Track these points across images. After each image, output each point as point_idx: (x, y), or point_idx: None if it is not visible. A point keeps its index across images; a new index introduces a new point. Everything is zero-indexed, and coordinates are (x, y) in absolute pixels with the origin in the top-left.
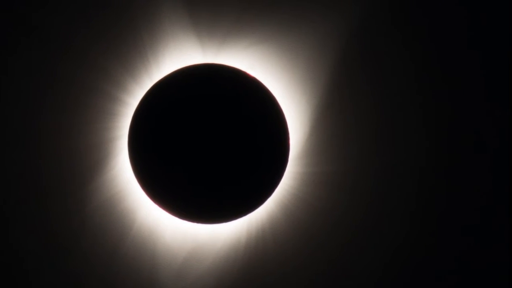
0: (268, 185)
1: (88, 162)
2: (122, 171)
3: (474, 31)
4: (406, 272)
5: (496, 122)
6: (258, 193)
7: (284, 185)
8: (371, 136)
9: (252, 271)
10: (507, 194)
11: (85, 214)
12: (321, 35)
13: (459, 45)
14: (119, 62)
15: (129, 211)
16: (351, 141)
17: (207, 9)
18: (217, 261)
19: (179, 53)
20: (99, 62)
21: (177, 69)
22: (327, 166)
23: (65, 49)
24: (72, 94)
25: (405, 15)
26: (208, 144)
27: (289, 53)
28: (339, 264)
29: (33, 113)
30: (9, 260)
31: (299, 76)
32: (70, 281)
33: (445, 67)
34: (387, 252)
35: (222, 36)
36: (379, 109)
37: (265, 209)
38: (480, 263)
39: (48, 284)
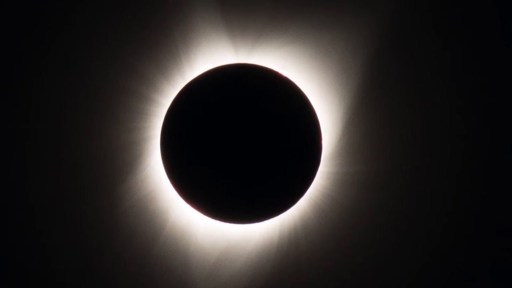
0: (301, 185)
1: (121, 162)
2: (154, 171)
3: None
4: (440, 273)
5: None
6: (291, 193)
7: (317, 185)
8: (405, 136)
9: (285, 271)
10: None
11: (118, 214)
12: (354, 35)
13: (496, 44)
14: (152, 62)
15: (161, 211)
16: (385, 141)
17: (239, 9)
18: (249, 261)
19: (212, 53)
20: (131, 62)
21: (210, 69)
22: (360, 166)
23: (97, 49)
24: (105, 94)
25: (439, 13)
26: (240, 144)
27: (322, 53)
28: (372, 265)
29: (65, 113)
30: (41, 260)
31: (332, 76)
32: (102, 282)
33: (482, 66)
34: (421, 253)
35: (254, 36)
36: (413, 109)
37: (298, 209)
38: None
39: (80, 284)
